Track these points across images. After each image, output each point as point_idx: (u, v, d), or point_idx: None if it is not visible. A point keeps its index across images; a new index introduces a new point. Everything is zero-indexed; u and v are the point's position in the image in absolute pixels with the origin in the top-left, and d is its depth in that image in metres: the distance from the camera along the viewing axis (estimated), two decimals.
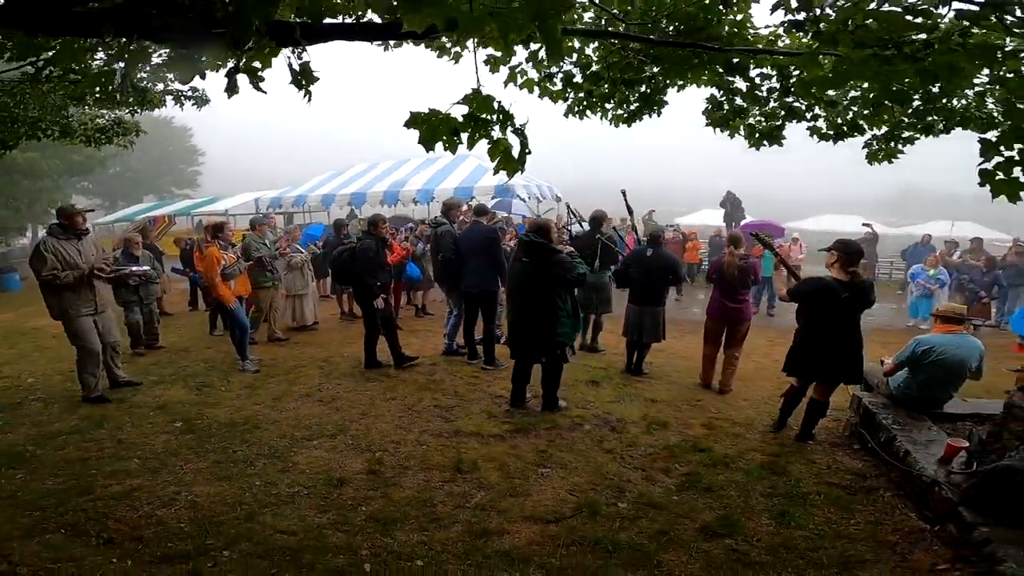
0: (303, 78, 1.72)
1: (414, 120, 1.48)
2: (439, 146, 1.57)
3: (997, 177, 2.00)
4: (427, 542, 3.02)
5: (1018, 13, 1.87)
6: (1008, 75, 2.14)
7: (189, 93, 6.37)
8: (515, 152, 1.54)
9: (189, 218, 16.95)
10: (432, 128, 1.48)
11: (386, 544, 2.99)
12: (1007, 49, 2.02)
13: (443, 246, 6.23)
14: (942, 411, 4.48)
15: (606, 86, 2.77)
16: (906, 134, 3.34)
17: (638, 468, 4.00)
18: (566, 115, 2.91)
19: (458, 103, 1.47)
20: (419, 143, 1.51)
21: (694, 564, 2.95)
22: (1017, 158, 1.93)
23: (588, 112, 2.92)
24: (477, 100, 1.46)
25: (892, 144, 3.41)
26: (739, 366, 5.87)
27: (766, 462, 4.12)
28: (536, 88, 2.83)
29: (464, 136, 1.51)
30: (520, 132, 1.53)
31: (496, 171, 1.57)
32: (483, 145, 1.62)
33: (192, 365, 6.41)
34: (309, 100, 1.81)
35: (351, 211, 15.42)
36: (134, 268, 5.85)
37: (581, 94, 2.85)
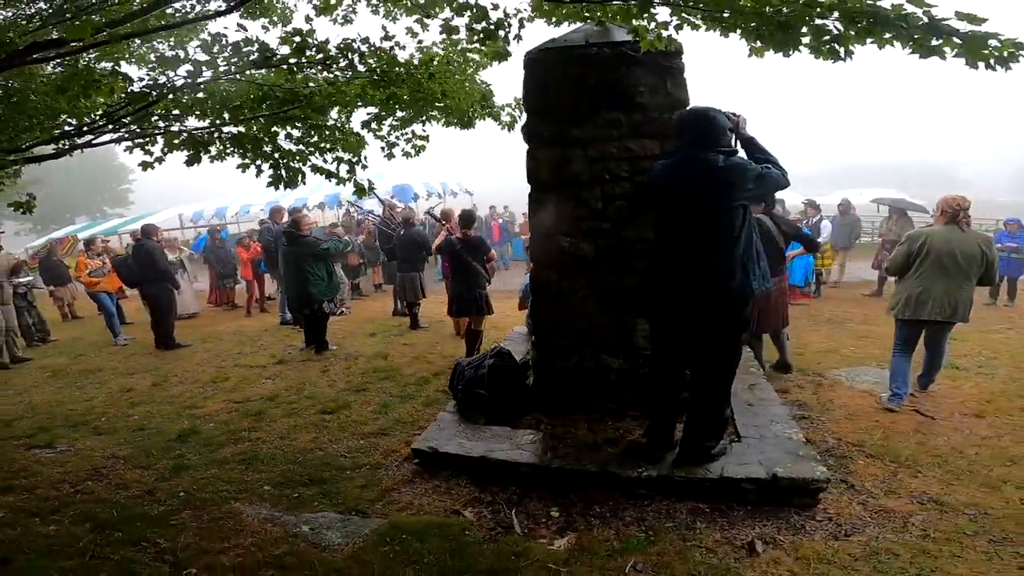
0: None
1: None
2: None
3: None
4: (152, 411, 5.25)
5: None
6: None
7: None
8: None
9: (118, 236, 18.96)
10: None
11: (126, 412, 5.24)
12: None
13: (263, 240, 8.55)
14: None
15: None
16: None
17: (330, 379, 5.95)
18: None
19: None
20: None
21: (296, 423, 4.64)
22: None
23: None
24: None
25: None
26: None
27: (422, 377, 5.67)
28: None
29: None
30: None
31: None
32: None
33: (78, 346, 8.56)
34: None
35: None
36: (22, 279, 8.06)
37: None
